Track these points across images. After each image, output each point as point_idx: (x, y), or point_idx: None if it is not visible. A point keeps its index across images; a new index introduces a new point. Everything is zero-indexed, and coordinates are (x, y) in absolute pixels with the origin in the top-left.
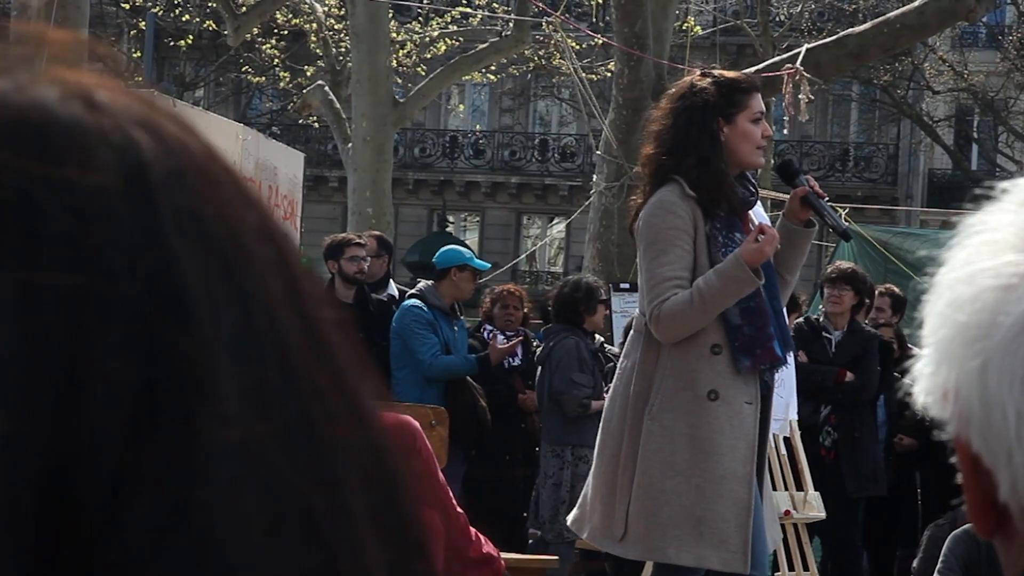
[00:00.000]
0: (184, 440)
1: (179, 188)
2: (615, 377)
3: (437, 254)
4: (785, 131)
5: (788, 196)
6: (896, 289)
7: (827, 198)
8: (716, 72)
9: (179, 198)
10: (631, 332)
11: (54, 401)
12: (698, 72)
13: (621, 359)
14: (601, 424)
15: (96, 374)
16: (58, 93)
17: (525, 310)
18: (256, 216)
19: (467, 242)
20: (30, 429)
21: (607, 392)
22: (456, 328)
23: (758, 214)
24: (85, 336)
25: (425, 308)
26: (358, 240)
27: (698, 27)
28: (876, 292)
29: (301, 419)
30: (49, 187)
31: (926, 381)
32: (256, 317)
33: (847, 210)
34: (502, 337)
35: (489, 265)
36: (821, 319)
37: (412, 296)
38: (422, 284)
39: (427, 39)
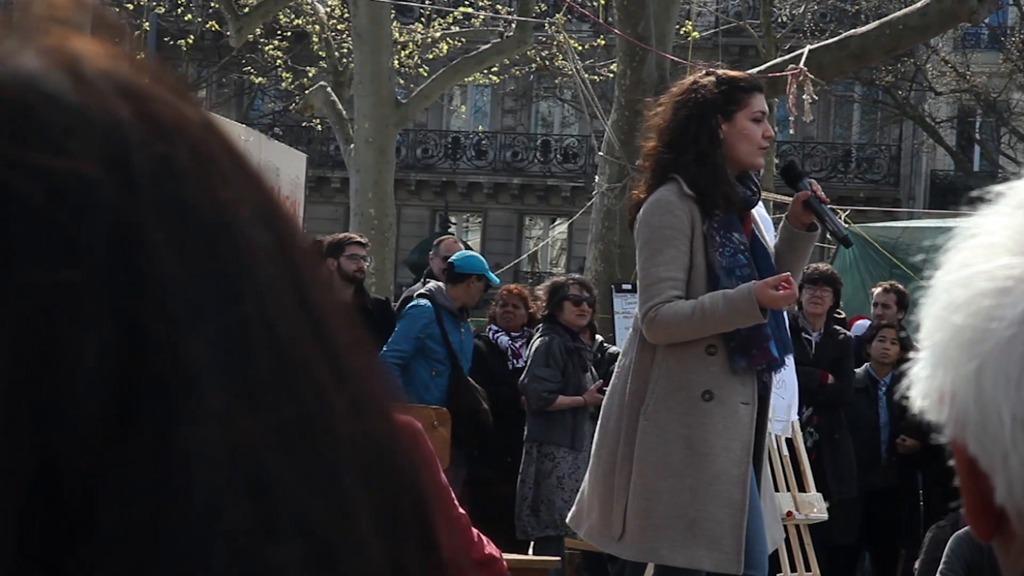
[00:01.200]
0: (163, 440)
1: (165, 173)
2: (613, 376)
3: (458, 257)
4: (791, 131)
5: (791, 199)
6: (900, 286)
7: (830, 203)
8: (719, 70)
9: (164, 184)
10: (629, 331)
11: (26, 397)
12: (702, 70)
13: (619, 358)
14: (599, 423)
15: (69, 370)
16: (42, 64)
17: (531, 310)
18: (255, 198)
19: (469, 243)
20: (2, 426)
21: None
22: (463, 330)
23: (761, 215)
24: (58, 331)
25: (430, 308)
26: (359, 239)
27: (696, 32)
28: (880, 288)
29: (297, 415)
30: (24, 172)
31: (923, 384)
32: (246, 307)
33: (848, 211)
34: (506, 337)
35: (499, 281)
36: (799, 320)
37: (421, 295)
38: (432, 284)
39: (429, 40)
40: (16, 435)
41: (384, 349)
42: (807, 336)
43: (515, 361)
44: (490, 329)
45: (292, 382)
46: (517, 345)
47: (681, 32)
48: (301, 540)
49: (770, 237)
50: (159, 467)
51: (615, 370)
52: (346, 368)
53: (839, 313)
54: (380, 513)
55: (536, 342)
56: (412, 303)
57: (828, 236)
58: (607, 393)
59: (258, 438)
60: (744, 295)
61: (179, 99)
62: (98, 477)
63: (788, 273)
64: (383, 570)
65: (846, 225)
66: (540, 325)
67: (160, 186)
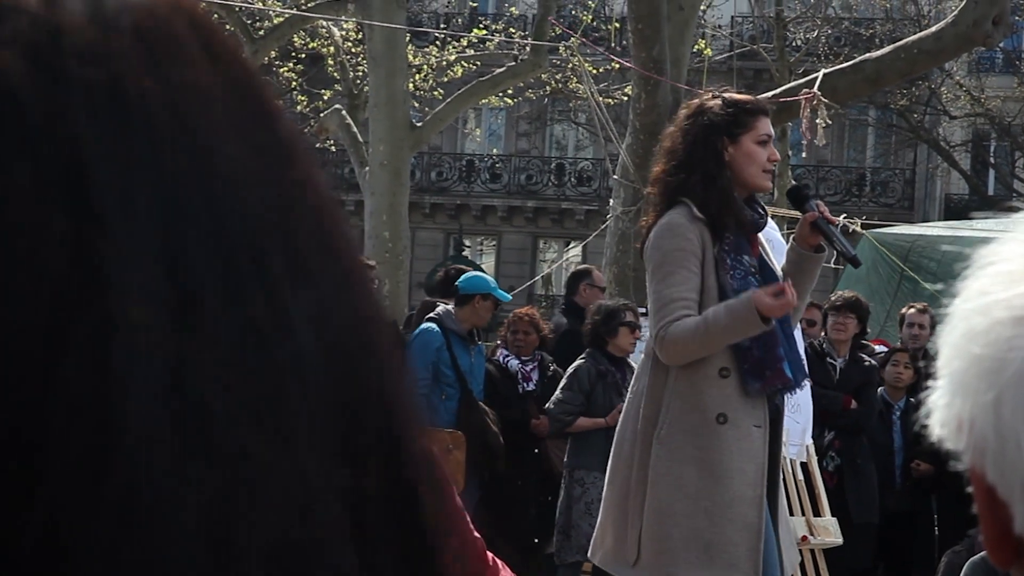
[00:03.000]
0: (96, 359)
1: (100, 59)
2: (626, 401)
3: (462, 279)
4: (803, 155)
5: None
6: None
7: (838, 224)
8: (726, 94)
9: (98, 70)
10: (642, 355)
11: None
12: (710, 93)
13: (632, 382)
14: (613, 448)
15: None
16: None
17: (543, 333)
18: (228, 82)
19: (483, 266)
20: None
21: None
22: (473, 353)
23: (771, 236)
24: None
25: (438, 333)
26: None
27: (709, 49)
28: (914, 309)
29: (240, 327)
30: None
31: (941, 412)
32: (189, 204)
33: (863, 220)
34: (516, 361)
35: (510, 297)
36: (824, 345)
37: (430, 320)
38: (440, 308)
39: (444, 63)
40: None
41: None
42: (832, 361)
43: (525, 385)
44: (501, 353)
45: (238, 290)
46: (528, 369)
47: (695, 50)
48: (232, 467)
49: (777, 260)
50: (94, 388)
51: (628, 396)
52: (317, 259)
53: (865, 343)
54: (337, 439)
55: (571, 367)
56: (420, 328)
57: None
58: (621, 419)
59: (192, 354)
60: (744, 303)
61: None
62: (36, 399)
63: (787, 283)
64: (328, 497)
65: (853, 249)
66: (587, 349)
67: (91, 70)
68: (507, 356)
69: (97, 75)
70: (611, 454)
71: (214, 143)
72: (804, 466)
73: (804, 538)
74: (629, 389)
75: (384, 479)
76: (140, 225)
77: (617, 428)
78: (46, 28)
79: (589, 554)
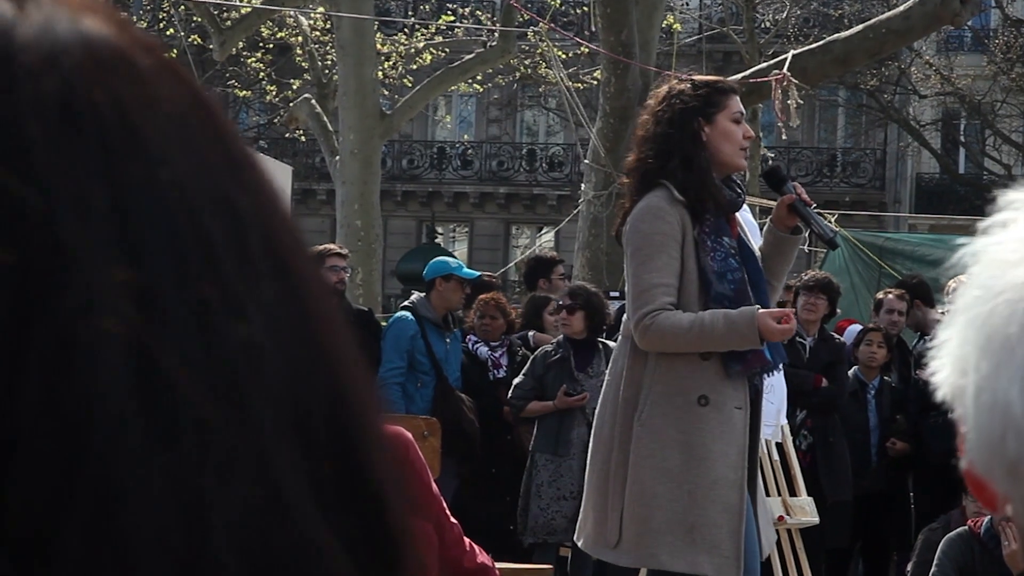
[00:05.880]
0: (64, 343)
1: (51, 71)
2: (604, 384)
3: (427, 266)
4: (784, 137)
5: (775, 203)
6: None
7: (814, 205)
8: (694, 76)
9: (49, 81)
10: (619, 337)
11: None
12: (675, 79)
13: (610, 365)
14: (592, 432)
15: None
16: None
17: (510, 318)
18: (177, 97)
19: (456, 253)
20: None
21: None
22: (449, 341)
23: (746, 220)
24: None
25: (412, 321)
26: (339, 251)
27: (678, 24)
28: (892, 294)
29: (195, 311)
30: None
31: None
32: (142, 200)
33: (836, 216)
34: (485, 348)
35: (477, 274)
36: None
37: (404, 308)
38: (415, 296)
39: (413, 51)
40: None
41: (381, 371)
42: (801, 340)
43: (495, 372)
44: (470, 339)
45: (189, 276)
46: (497, 355)
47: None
48: (198, 447)
49: (755, 242)
50: (60, 366)
51: (606, 378)
52: (266, 261)
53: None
54: (292, 420)
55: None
56: (394, 316)
57: (814, 239)
58: (600, 401)
59: (153, 335)
60: (747, 319)
61: (91, 13)
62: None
63: (791, 311)
64: (294, 484)
65: (834, 229)
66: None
67: (43, 81)
68: (477, 343)
69: (48, 86)
70: (591, 437)
71: (165, 154)
72: (779, 446)
73: (780, 518)
74: (607, 371)
75: (340, 468)
76: (95, 222)
77: (596, 411)
78: (3, 45)
79: (575, 537)
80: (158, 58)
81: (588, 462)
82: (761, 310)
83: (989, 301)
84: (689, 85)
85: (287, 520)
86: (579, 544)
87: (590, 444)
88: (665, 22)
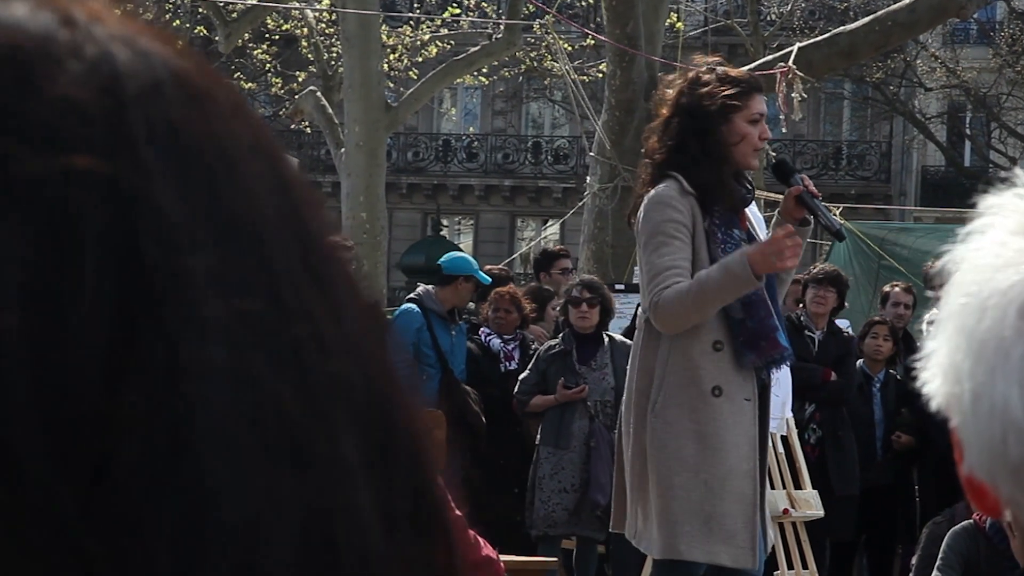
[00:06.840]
0: (169, 367)
1: (156, 99)
2: (627, 377)
3: (446, 259)
4: (783, 130)
5: (783, 195)
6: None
7: (821, 197)
8: (720, 69)
9: (155, 109)
10: (636, 329)
11: (32, 335)
12: (704, 67)
13: (630, 358)
14: (619, 423)
15: (69, 301)
16: (29, 7)
17: (524, 312)
18: (252, 133)
19: (461, 246)
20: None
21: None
22: (454, 333)
23: (752, 213)
24: (57, 254)
25: (418, 313)
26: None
27: (681, 23)
28: (899, 288)
29: (292, 347)
30: (14, 95)
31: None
32: (241, 233)
33: (841, 209)
34: (498, 340)
35: (491, 280)
36: (803, 318)
37: (410, 300)
38: (421, 288)
39: (418, 43)
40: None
41: None
42: (810, 334)
43: (507, 364)
44: (483, 332)
45: (286, 314)
46: (510, 348)
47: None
48: (296, 472)
49: (762, 235)
50: (171, 393)
51: (628, 371)
52: (340, 306)
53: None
54: (370, 457)
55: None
56: (400, 308)
57: (820, 231)
58: (625, 394)
59: (257, 365)
60: (737, 259)
61: (170, 45)
62: (108, 407)
63: (777, 234)
64: (370, 512)
65: (839, 222)
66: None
67: (152, 110)
68: (489, 335)
69: (156, 115)
70: (618, 430)
71: (258, 190)
72: (784, 439)
73: (785, 511)
74: (628, 365)
75: (413, 495)
76: (205, 252)
77: (623, 404)
78: (109, 70)
79: (611, 526)
80: (228, 89)
81: (616, 453)
82: (749, 246)
83: (977, 308)
84: (714, 78)
85: (365, 538)
86: (612, 529)
87: (617, 436)
88: (670, 20)
